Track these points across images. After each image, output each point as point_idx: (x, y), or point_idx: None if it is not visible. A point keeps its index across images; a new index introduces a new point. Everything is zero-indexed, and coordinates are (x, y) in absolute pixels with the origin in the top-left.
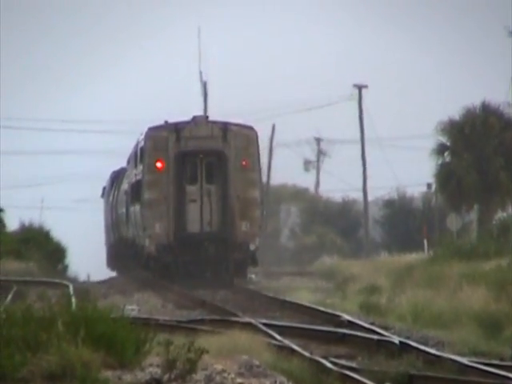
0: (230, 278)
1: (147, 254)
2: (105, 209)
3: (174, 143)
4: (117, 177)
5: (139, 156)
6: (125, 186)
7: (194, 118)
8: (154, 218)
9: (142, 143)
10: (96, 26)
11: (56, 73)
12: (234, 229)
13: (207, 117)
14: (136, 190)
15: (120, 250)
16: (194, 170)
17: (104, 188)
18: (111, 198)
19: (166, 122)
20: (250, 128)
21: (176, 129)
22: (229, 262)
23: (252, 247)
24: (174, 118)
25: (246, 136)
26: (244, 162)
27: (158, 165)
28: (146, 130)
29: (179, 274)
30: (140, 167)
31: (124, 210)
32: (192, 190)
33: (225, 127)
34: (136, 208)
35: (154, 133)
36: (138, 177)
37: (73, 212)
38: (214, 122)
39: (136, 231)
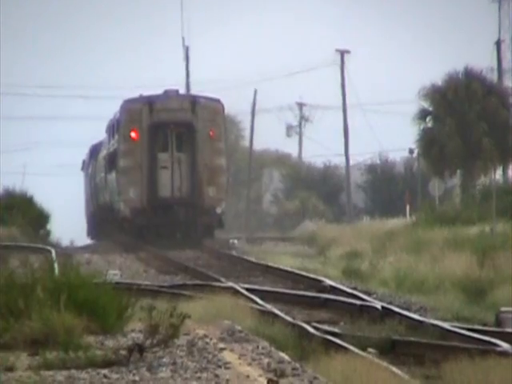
0: (198, 239)
1: (122, 217)
2: (84, 181)
3: (147, 115)
4: (95, 150)
5: (115, 127)
6: (103, 153)
7: (166, 91)
8: (129, 184)
9: (117, 115)
10: None
11: (40, 38)
12: (202, 194)
13: (177, 90)
14: (112, 159)
15: (99, 218)
16: (165, 140)
17: (84, 161)
18: (90, 169)
19: (141, 95)
20: (217, 100)
21: (149, 102)
22: (197, 225)
23: (218, 211)
24: (157, 84)
25: (213, 108)
26: (211, 133)
27: (133, 135)
28: (122, 102)
29: (152, 236)
30: (116, 137)
31: (102, 176)
32: (163, 157)
33: (193, 100)
34: (112, 175)
35: (128, 105)
36: (115, 146)
37: (56, 177)
38: (184, 96)
39: (112, 196)
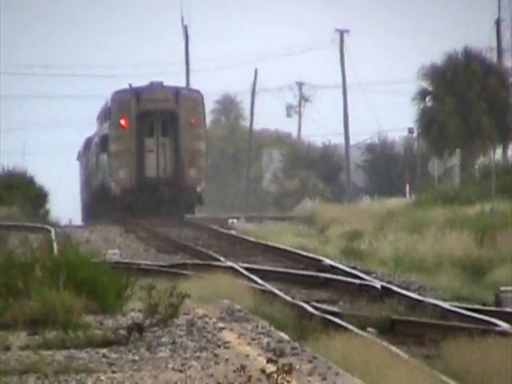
0: (180, 214)
1: (113, 195)
2: (79, 171)
3: (135, 104)
4: (90, 142)
5: (107, 114)
6: (95, 139)
7: (151, 83)
8: (119, 166)
9: (109, 104)
10: None
11: (38, 17)
12: (184, 174)
13: (162, 82)
14: (104, 143)
15: (93, 201)
16: (151, 126)
17: (79, 152)
18: (84, 160)
19: (130, 85)
20: (197, 92)
21: (137, 92)
22: (179, 202)
23: (198, 189)
24: (156, 62)
25: (194, 99)
26: (192, 120)
27: (122, 122)
28: (112, 92)
29: (139, 212)
30: (107, 123)
31: (94, 160)
32: (150, 142)
33: (177, 91)
34: (104, 157)
35: (118, 96)
36: (106, 131)
37: (56, 157)
38: (168, 87)
39: (104, 177)
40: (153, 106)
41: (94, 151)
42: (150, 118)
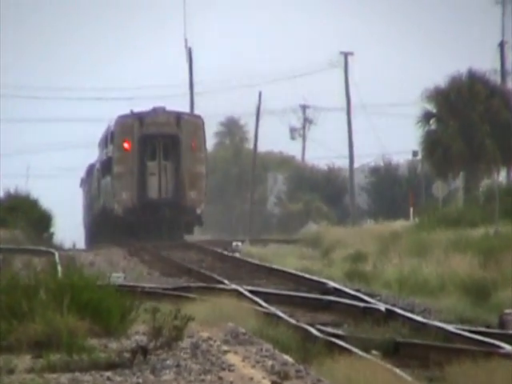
0: (180, 235)
1: (115, 215)
2: (82, 197)
3: (137, 128)
4: (92, 168)
5: (110, 138)
6: (97, 165)
7: (154, 108)
8: (122, 187)
9: (112, 128)
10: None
11: (43, 41)
12: (184, 196)
13: (164, 107)
14: (107, 166)
15: (95, 225)
16: (153, 150)
17: (82, 179)
18: (87, 186)
19: (132, 111)
20: (198, 117)
21: (139, 117)
22: (180, 222)
23: (198, 211)
24: (160, 85)
25: (194, 123)
26: (193, 144)
27: (125, 145)
28: (115, 117)
29: (141, 231)
30: (110, 147)
31: (96, 185)
32: (152, 165)
33: (178, 116)
34: (107, 179)
35: (122, 120)
36: (109, 154)
37: (60, 180)
38: (170, 112)
39: (106, 199)
40: (155, 130)
41: (95, 176)
42: (152, 142)
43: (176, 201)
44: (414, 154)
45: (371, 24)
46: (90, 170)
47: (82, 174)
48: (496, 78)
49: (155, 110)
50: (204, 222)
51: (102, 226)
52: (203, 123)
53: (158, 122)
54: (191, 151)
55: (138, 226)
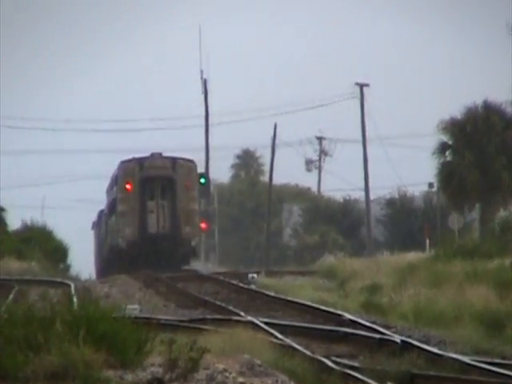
0: (177, 265)
1: (120, 248)
2: (94, 239)
3: (138, 172)
4: (101, 213)
5: (114, 182)
6: (105, 210)
7: (152, 154)
8: (125, 224)
9: (116, 172)
10: (98, 25)
11: (60, 73)
12: (180, 231)
13: (161, 153)
14: (113, 206)
15: (104, 264)
16: (152, 190)
17: (93, 222)
18: (97, 229)
19: (133, 157)
20: (191, 161)
21: (140, 161)
22: (177, 254)
23: (193, 243)
24: (175, 117)
25: (188, 166)
26: (187, 185)
27: (128, 186)
28: (119, 162)
29: (142, 262)
30: (115, 189)
31: (104, 227)
32: (151, 204)
33: (174, 160)
34: (113, 218)
35: (124, 164)
36: (114, 196)
37: (75, 211)
38: (166, 157)
39: (112, 235)
40: (154, 173)
41: (103, 220)
42: (151, 183)
43: (173, 235)
44: (430, 185)
45: (387, 56)
46: (100, 214)
47: (95, 212)
48: None
49: (153, 156)
50: (217, 252)
51: (110, 260)
52: (196, 166)
53: (156, 165)
54: (185, 191)
55: (139, 258)
